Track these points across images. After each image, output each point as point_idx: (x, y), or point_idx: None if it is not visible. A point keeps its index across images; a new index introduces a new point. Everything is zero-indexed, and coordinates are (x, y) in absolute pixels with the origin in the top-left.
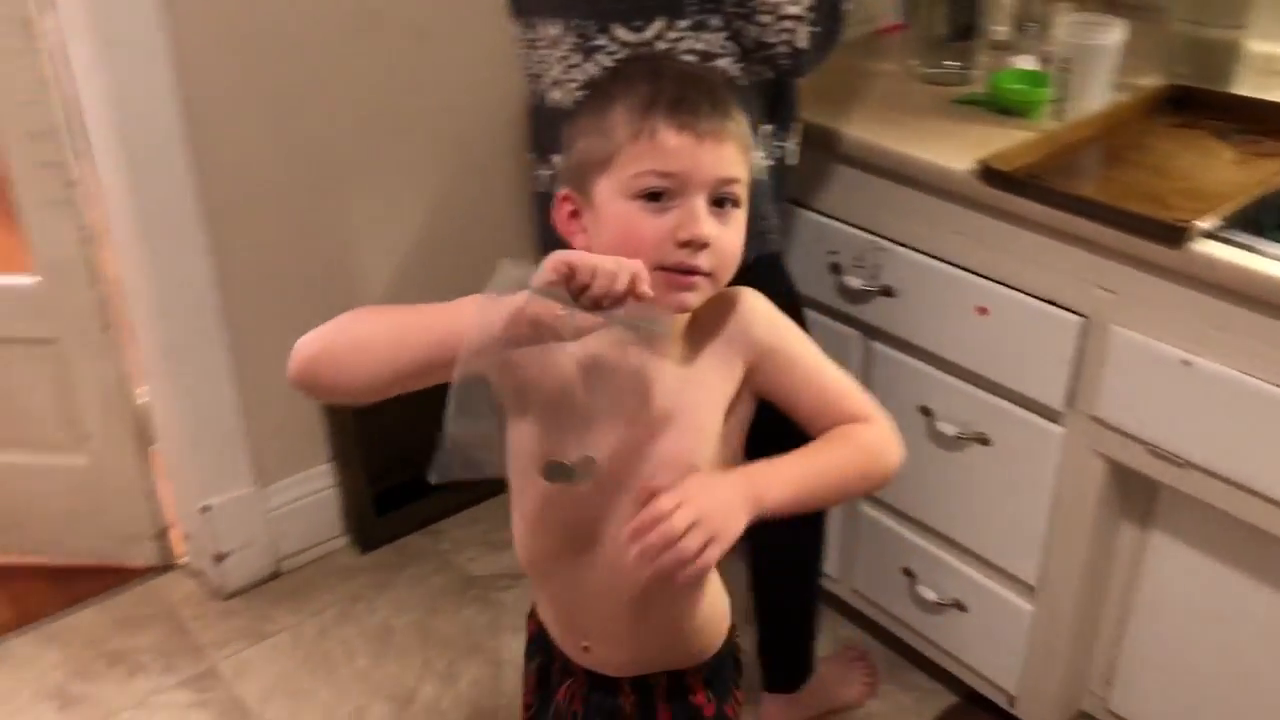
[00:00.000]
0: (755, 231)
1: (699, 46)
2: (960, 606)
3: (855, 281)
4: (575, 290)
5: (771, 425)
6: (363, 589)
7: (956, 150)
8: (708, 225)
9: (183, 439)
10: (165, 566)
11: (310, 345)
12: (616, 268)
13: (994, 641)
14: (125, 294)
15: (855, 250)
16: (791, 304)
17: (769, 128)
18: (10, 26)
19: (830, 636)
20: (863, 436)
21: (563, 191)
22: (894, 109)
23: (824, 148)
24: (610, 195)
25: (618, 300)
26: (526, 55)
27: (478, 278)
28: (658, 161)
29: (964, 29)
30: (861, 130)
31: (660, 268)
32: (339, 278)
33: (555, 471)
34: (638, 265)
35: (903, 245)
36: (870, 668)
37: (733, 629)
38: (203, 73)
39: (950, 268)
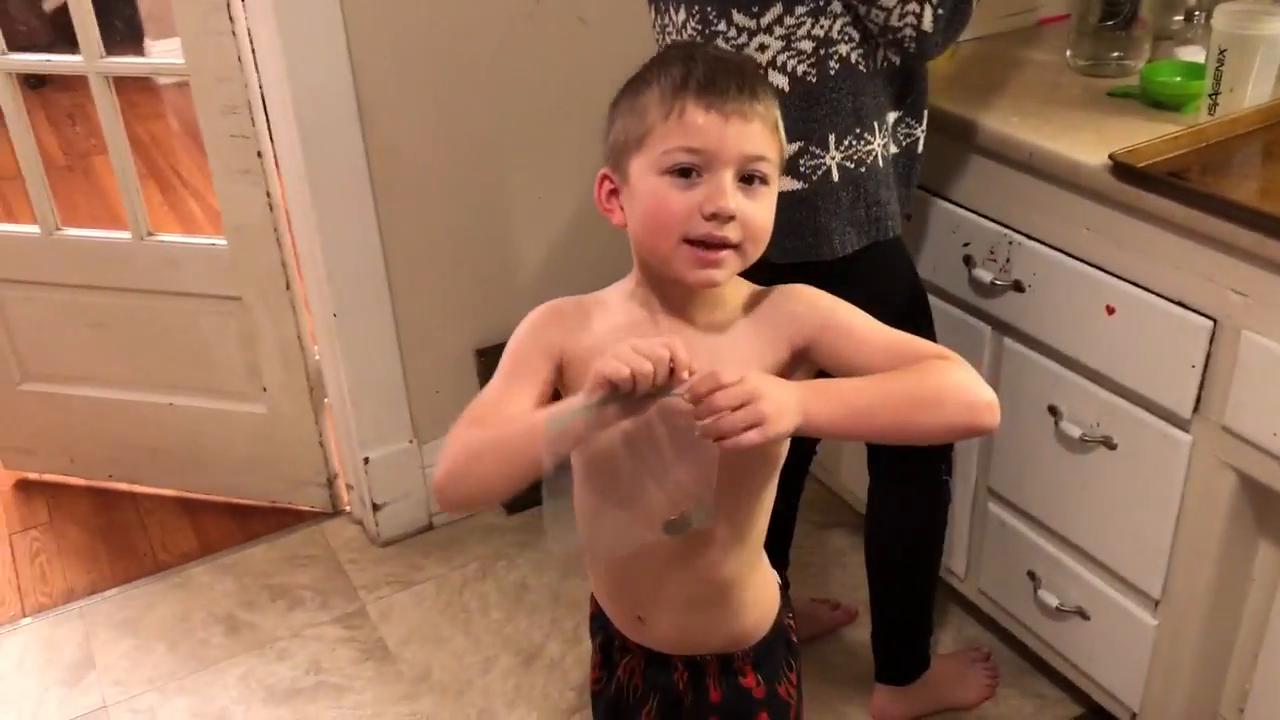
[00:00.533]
0: (871, 217)
1: (817, 32)
2: (1083, 614)
3: (986, 275)
4: (624, 394)
5: None
6: (506, 548)
7: (1095, 144)
8: (733, 199)
9: (348, 395)
10: (332, 512)
11: (442, 491)
12: (652, 364)
13: (1116, 654)
14: (301, 259)
15: (988, 242)
16: (912, 288)
17: (896, 114)
18: (214, 9)
19: (955, 635)
20: (934, 365)
21: (602, 171)
22: (1041, 100)
23: (961, 138)
24: (643, 172)
25: (665, 387)
26: (659, 42)
27: (629, 259)
28: (686, 139)
29: (1126, 18)
30: (1000, 121)
31: (688, 240)
32: (497, 253)
33: (675, 527)
34: (671, 349)
35: (1035, 239)
36: (992, 670)
37: (782, 611)
38: (374, 57)
39: (1080, 264)
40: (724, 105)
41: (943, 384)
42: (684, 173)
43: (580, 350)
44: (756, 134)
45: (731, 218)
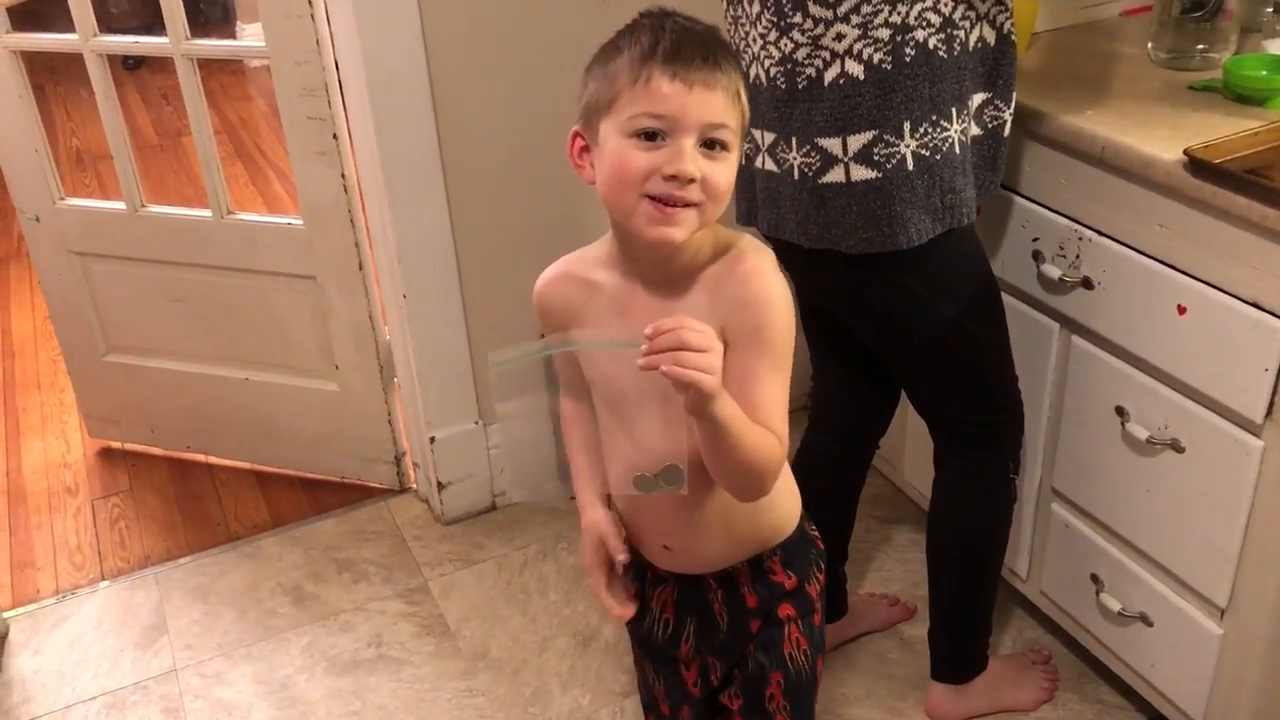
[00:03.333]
0: (946, 205)
1: (894, 19)
2: (1146, 620)
3: (1055, 271)
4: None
5: None
6: (566, 530)
7: (1170, 138)
8: (692, 163)
9: (415, 375)
10: (398, 489)
11: None
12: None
13: (1180, 662)
14: (373, 240)
15: (1058, 238)
16: (984, 279)
17: (984, 96)
18: None
19: (1016, 636)
20: (777, 448)
21: (574, 129)
22: (1117, 93)
23: (1033, 130)
24: (610, 133)
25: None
26: (732, 32)
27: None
28: (652, 105)
29: (1212, 9)
30: (1074, 113)
31: (648, 195)
32: (566, 239)
33: (645, 484)
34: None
35: (1105, 236)
36: (1052, 673)
37: (804, 517)
38: (447, 43)
39: (1152, 262)
40: (688, 74)
41: (773, 468)
42: (649, 135)
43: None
44: (719, 102)
45: (692, 180)
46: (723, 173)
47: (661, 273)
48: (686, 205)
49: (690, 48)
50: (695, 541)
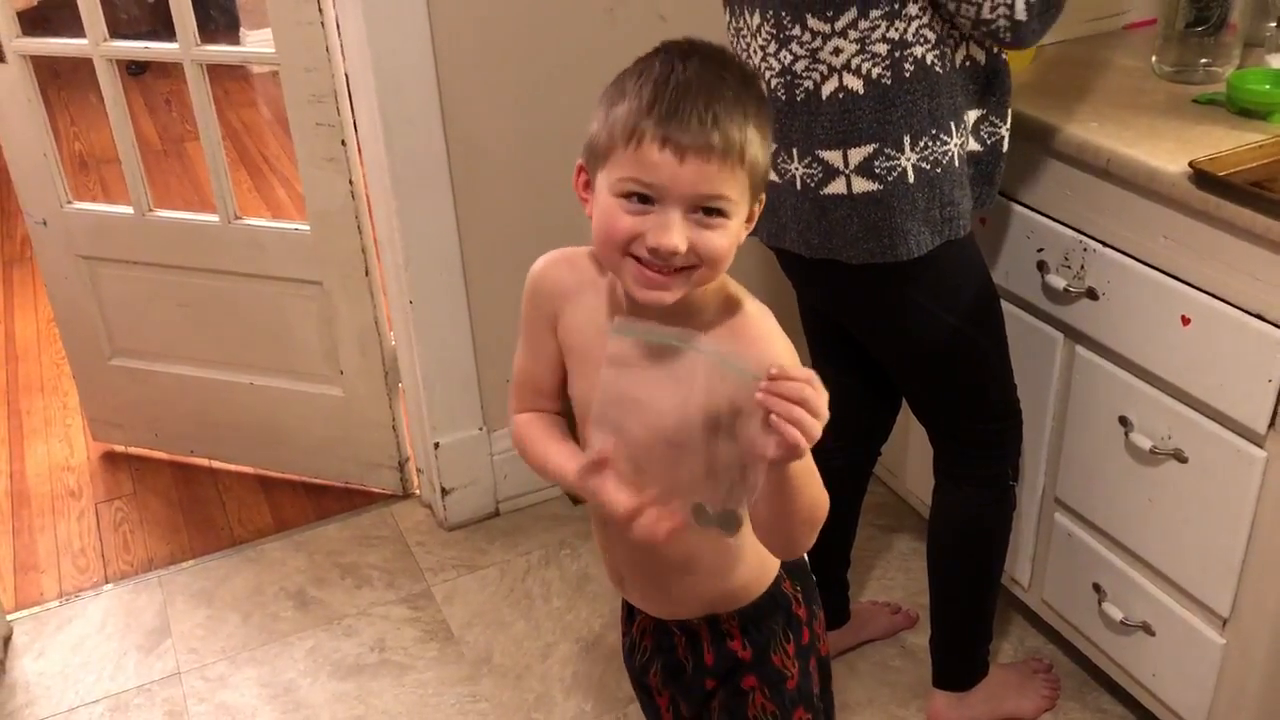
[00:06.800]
0: (945, 217)
1: (892, 35)
2: (1148, 630)
3: (1059, 281)
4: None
5: None
6: (569, 537)
7: (1175, 151)
8: (679, 235)
9: (420, 380)
10: (402, 495)
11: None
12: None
13: (1182, 672)
14: (380, 246)
15: (1062, 249)
16: (982, 288)
17: (978, 112)
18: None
19: (1017, 645)
20: (826, 500)
21: (580, 161)
22: (1122, 106)
23: (1038, 142)
24: (603, 186)
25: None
26: (734, 44)
27: None
28: (640, 172)
29: (1216, 23)
30: (1079, 126)
31: (634, 256)
32: (572, 244)
33: (701, 516)
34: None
35: (1110, 247)
36: (1053, 681)
37: (781, 580)
38: (456, 50)
39: (1157, 273)
40: (682, 140)
41: (821, 521)
42: (639, 198)
43: (569, 328)
44: (714, 174)
45: (674, 253)
46: (717, 240)
47: (661, 314)
48: (677, 271)
49: (690, 106)
50: (642, 584)
